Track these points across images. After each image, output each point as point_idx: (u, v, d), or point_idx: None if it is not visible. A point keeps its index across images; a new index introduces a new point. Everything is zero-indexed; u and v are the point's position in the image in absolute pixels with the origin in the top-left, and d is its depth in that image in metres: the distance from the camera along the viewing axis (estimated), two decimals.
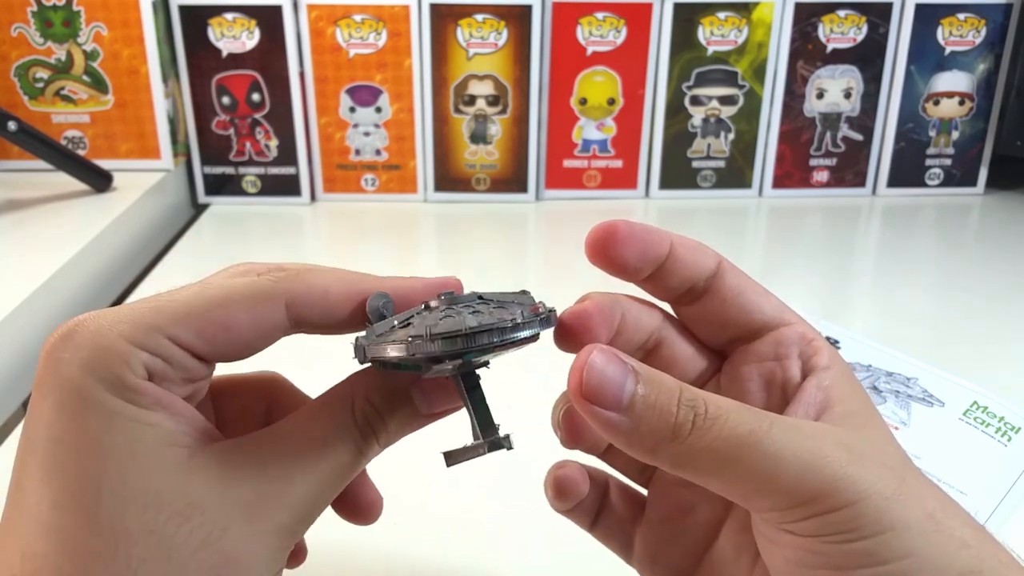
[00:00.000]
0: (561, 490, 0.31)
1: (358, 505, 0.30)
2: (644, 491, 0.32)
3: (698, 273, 0.28)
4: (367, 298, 0.27)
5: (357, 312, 0.27)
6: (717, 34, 0.82)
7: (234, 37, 0.80)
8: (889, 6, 0.82)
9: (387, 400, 0.26)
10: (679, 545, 0.30)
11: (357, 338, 0.26)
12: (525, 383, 0.45)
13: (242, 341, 0.25)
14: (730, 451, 0.22)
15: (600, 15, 0.81)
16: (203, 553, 0.22)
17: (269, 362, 0.30)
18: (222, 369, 0.29)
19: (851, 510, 0.22)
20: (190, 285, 0.26)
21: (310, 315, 0.26)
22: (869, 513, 0.22)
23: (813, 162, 0.87)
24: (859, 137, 0.87)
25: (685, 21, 0.82)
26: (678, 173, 0.87)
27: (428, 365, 0.25)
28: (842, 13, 0.82)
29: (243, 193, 0.85)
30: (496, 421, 0.26)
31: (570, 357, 0.24)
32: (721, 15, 0.82)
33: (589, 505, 0.32)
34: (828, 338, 0.57)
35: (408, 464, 0.45)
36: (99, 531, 0.22)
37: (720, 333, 0.29)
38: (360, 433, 0.26)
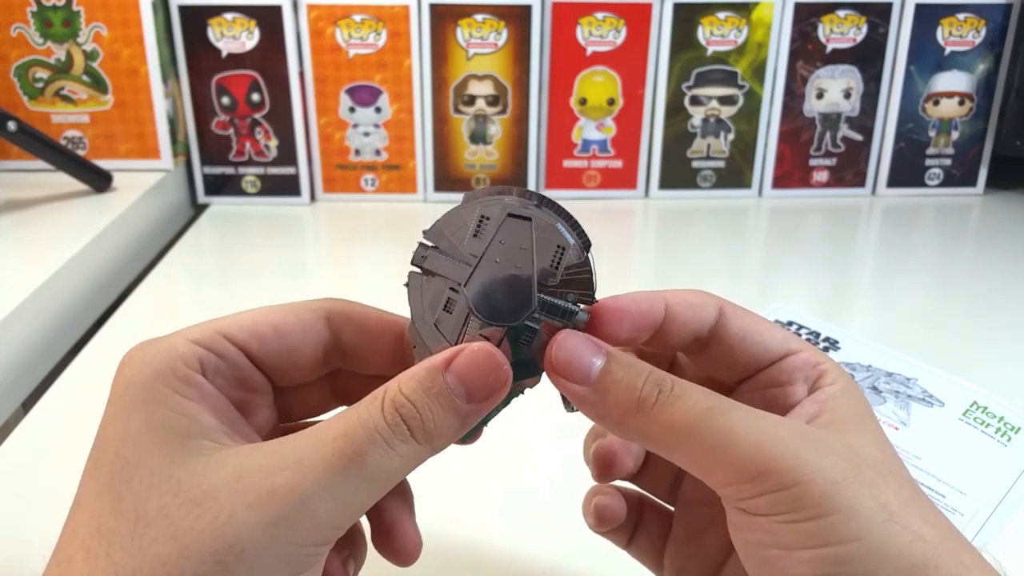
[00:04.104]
0: (602, 517, 0.33)
1: (392, 542, 0.29)
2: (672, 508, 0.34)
3: (699, 327, 0.29)
4: (402, 334, 0.29)
5: (393, 345, 0.29)
6: (717, 34, 0.82)
7: (234, 37, 0.80)
8: (889, 6, 0.82)
9: (422, 388, 0.25)
10: (700, 560, 0.31)
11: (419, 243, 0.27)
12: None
13: (290, 345, 0.28)
14: (690, 424, 0.24)
15: (600, 15, 0.81)
16: (206, 536, 0.23)
17: None
18: None
19: (797, 490, 0.23)
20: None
21: (347, 330, 0.29)
22: (815, 494, 0.23)
23: (813, 162, 0.87)
24: (859, 137, 0.87)
25: (685, 21, 0.82)
26: (678, 173, 0.87)
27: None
28: (842, 13, 0.82)
29: (243, 193, 0.85)
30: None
31: None
32: (721, 15, 0.82)
33: (625, 525, 0.33)
34: (828, 338, 0.57)
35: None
36: (123, 513, 0.23)
37: (730, 374, 0.30)
38: (388, 425, 0.24)
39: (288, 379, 0.28)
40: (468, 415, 0.25)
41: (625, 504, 0.33)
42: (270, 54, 0.80)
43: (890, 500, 0.23)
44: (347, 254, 0.78)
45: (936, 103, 0.86)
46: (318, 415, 0.31)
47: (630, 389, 0.25)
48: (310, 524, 0.23)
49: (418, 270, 0.27)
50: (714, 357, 0.29)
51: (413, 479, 0.46)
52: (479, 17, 0.80)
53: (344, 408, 0.26)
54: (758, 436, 0.24)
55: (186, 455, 0.24)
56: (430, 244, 0.27)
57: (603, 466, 0.32)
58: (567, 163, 0.86)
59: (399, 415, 0.24)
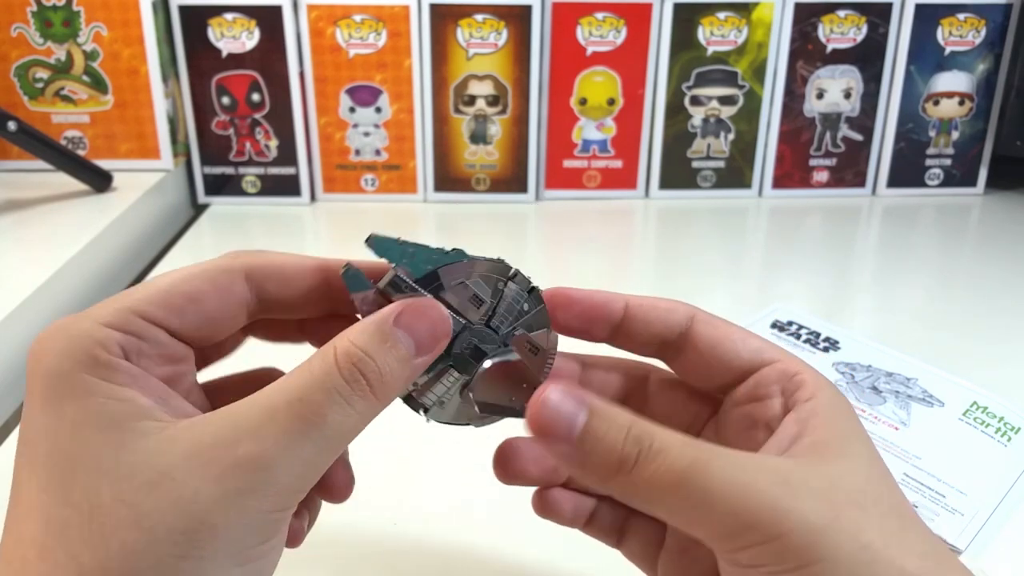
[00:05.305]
0: (541, 504, 0.32)
1: (325, 481, 0.29)
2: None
3: (665, 330, 0.29)
4: (324, 275, 0.29)
5: (315, 288, 0.29)
6: (717, 34, 0.82)
7: (234, 37, 0.80)
8: (889, 6, 0.82)
9: (376, 342, 0.25)
10: (693, 572, 0.31)
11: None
12: None
13: (210, 313, 0.27)
14: (670, 483, 0.24)
15: (600, 15, 0.81)
16: (173, 517, 0.22)
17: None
18: (220, 372, 0.30)
19: (780, 542, 0.23)
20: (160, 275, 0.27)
21: (268, 285, 0.28)
22: (797, 545, 0.23)
23: (813, 162, 0.87)
24: (859, 137, 0.87)
25: (685, 21, 0.82)
26: (678, 173, 0.87)
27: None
28: (842, 13, 0.82)
29: (243, 193, 0.85)
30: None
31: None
32: (721, 15, 0.82)
33: (608, 525, 0.33)
34: (828, 338, 0.57)
35: (407, 464, 0.45)
36: (74, 504, 0.22)
37: (707, 382, 0.30)
38: (347, 381, 0.24)
39: (209, 342, 0.28)
40: (416, 368, 0.26)
41: (574, 502, 0.32)
42: (270, 54, 0.80)
43: (872, 539, 0.23)
44: (346, 254, 0.77)
45: (936, 103, 0.86)
46: (231, 352, 0.31)
47: (611, 448, 0.24)
48: (276, 491, 0.23)
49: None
50: (688, 365, 0.30)
51: (407, 478, 0.46)
52: (479, 17, 0.80)
53: (271, 380, 0.27)
54: (737, 492, 0.24)
55: (132, 438, 0.23)
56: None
57: (502, 463, 0.31)
58: (567, 163, 0.86)
59: (357, 369, 0.25)
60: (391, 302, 0.27)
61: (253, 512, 0.23)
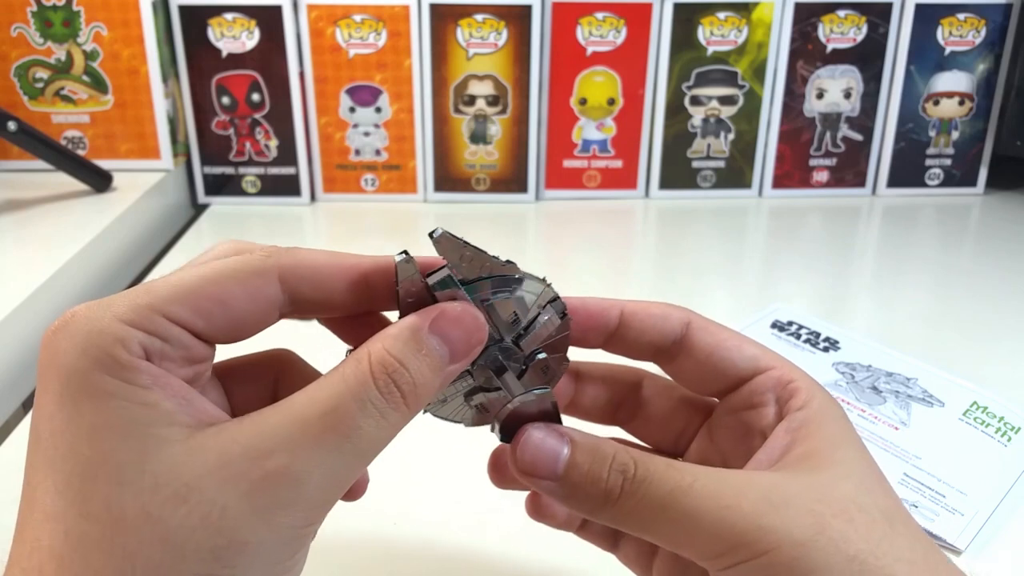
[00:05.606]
0: (534, 507, 0.32)
1: None
2: None
3: (660, 337, 0.30)
4: (360, 275, 0.27)
5: (351, 288, 0.27)
6: (717, 34, 0.82)
7: (234, 37, 0.80)
8: (889, 6, 0.82)
9: (411, 350, 0.24)
10: None
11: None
12: None
13: (239, 316, 0.25)
14: (655, 511, 0.25)
15: (600, 15, 0.81)
16: (201, 534, 0.21)
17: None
18: (231, 352, 0.29)
19: (765, 559, 0.23)
20: (183, 267, 0.25)
21: (302, 288, 0.26)
22: (783, 561, 0.23)
23: (813, 162, 0.87)
24: (859, 137, 0.87)
25: (685, 21, 0.82)
26: (678, 173, 0.87)
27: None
28: (842, 13, 0.82)
29: (243, 193, 0.85)
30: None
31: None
32: (721, 15, 0.82)
33: (602, 530, 0.33)
34: (828, 338, 0.57)
35: (408, 466, 0.45)
36: (96, 516, 0.21)
37: (702, 387, 0.31)
38: (379, 390, 0.23)
39: (234, 342, 0.26)
40: (448, 375, 0.26)
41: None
42: (270, 54, 0.80)
43: (860, 549, 0.24)
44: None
45: (936, 103, 0.86)
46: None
47: (596, 481, 0.25)
48: (306, 505, 0.23)
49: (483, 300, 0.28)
50: (683, 370, 0.30)
51: (408, 479, 0.46)
52: (479, 17, 0.80)
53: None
54: (720, 512, 0.24)
55: (157, 446, 0.22)
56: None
57: (497, 468, 0.31)
58: (567, 163, 0.86)
59: (392, 380, 0.24)
60: (434, 297, 0.26)
61: (283, 527, 0.22)
